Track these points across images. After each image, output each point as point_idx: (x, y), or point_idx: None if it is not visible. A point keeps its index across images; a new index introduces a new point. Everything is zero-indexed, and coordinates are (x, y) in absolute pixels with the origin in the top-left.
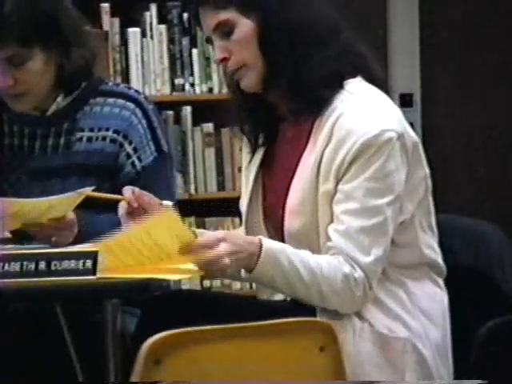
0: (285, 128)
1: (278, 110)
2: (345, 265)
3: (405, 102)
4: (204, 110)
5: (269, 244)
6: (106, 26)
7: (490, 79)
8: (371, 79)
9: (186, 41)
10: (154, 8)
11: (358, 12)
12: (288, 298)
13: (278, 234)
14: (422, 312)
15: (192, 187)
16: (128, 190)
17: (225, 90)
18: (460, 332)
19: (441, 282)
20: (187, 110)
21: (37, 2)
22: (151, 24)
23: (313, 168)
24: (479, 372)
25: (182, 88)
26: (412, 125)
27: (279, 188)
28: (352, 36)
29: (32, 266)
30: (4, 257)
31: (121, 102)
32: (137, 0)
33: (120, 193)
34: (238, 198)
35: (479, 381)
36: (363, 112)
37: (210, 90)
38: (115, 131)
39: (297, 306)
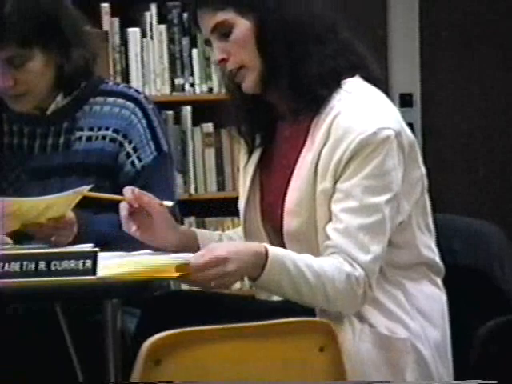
0: (282, 127)
1: (276, 109)
2: (345, 265)
3: (405, 102)
4: (204, 110)
5: (274, 251)
6: (106, 26)
7: (490, 79)
8: (369, 78)
9: (185, 41)
10: (153, 8)
11: (358, 12)
12: None
13: (276, 233)
14: (421, 312)
15: (192, 187)
16: (128, 191)
17: (224, 90)
18: (460, 332)
19: (439, 281)
20: (187, 110)
21: (37, 3)
22: (151, 24)
23: (310, 167)
24: (479, 372)
25: (182, 88)
26: (412, 125)
27: (277, 187)
28: (350, 35)
29: (32, 266)
30: (4, 257)
31: (121, 101)
32: (137, 0)
33: (120, 192)
34: (238, 198)
35: (479, 381)
36: (361, 111)
37: (210, 90)
38: (115, 130)
39: (296, 306)
